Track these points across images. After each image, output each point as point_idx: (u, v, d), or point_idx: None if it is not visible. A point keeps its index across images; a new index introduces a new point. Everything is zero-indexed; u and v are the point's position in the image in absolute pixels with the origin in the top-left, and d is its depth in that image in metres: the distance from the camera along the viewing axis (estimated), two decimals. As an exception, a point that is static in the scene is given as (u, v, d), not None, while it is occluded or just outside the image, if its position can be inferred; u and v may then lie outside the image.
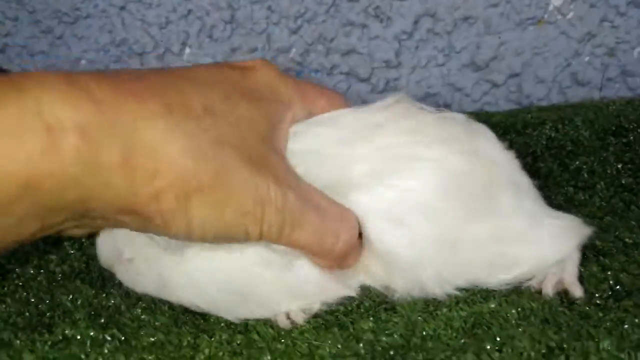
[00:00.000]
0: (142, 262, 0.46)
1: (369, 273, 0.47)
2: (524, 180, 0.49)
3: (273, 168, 0.41)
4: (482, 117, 0.93)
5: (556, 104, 1.02)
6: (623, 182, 0.76)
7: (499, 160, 0.47)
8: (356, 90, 1.05)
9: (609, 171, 0.78)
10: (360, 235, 0.45)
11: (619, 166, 0.78)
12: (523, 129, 0.87)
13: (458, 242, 0.44)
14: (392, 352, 0.40)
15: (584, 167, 0.79)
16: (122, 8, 1.01)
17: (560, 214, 0.51)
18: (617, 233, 0.60)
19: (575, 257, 0.50)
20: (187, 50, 1.04)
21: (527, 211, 0.47)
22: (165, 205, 0.37)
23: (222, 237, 0.40)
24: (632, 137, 0.83)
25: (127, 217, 0.38)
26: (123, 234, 0.46)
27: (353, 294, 0.47)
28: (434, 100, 1.06)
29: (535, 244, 0.47)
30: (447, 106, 1.06)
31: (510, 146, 0.84)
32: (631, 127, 0.85)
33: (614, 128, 0.85)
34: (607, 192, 0.74)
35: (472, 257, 0.45)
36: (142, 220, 0.38)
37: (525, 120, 0.89)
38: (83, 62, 1.05)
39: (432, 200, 0.43)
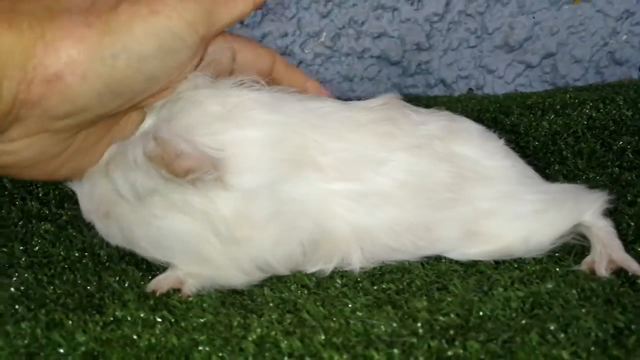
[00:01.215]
0: (114, 217, 0.49)
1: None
2: (503, 165, 0.53)
3: None
4: (517, 98, 0.90)
5: (594, 84, 0.99)
6: (670, 161, 0.73)
7: (471, 157, 0.52)
8: (387, 73, 1.04)
9: (655, 151, 0.75)
10: None
11: (665, 145, 0.76)
12: (562, 109, 0.85)
13: (429, 223, 0.50)
14: (451, 332, 0.39)
15: (629, 147, 0.77)
16: None
17: (558, 186, 0.56)
18: (670, 211, 0.58)
19: (608, 230, 0.50)
20: (217, 36, 1.03)
21: (501, 193, 0.51)
22: None
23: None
24: (677, 116, 0.80)
25: None
26: (100, 190, 0.49)
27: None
28: (465, 82, 1.04)
29: (510, 220, 0.51)
30: (480, 88, 1.04)
31: (550, 127, 0.83)
32: (677, 105, 0.82)
33: (657, 107, 0.82)
34: (654, 171, 0.71)
35: (446, 234, 0.51)
36: None
37: (563, 101, 0.87)
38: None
39: (393, 192, 0.49)
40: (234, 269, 0.48)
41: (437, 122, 0.53)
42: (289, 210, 0.48)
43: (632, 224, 0.57)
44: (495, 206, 0.51)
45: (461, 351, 0.36)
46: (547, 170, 0.75)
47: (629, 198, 0.64)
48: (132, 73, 0.44)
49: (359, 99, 0.99)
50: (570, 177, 0.74)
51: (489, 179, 0.51)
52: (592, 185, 0.70)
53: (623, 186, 0.69)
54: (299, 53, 1.03)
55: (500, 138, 0.80)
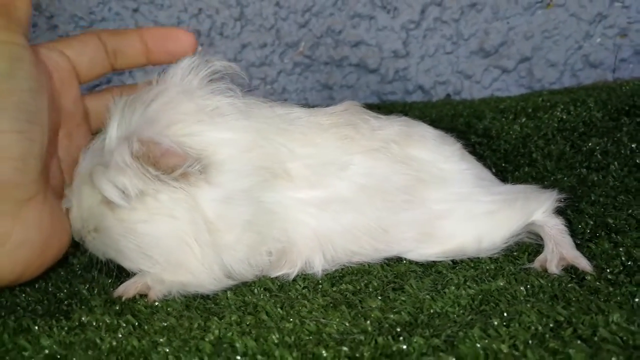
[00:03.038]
0: (102, 230, 0.50)
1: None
2: (459, 168, 0.55)
3: None
4: (491, 102, 0.92)
5: (569, 87, 1.01)
6: (638, 161, 0.75)
7: (426, 160, 0.54)
8: (365, 81, 1.05)
9: (622, 151, 0.77)
10: None
11: (633, 146, 0.78)
12: (534, 112, 0.87)
13: (386, 226, 0.52)
14: (398, 329, 0.40)
15: (597, 148, 0.78)
16: (135, 10, 1.03)
17: (511, 187, 0.57)
18: (630, 211, 0.60)
19: (559, 228, 0.52)
20: (199, 48, 1.05)
21: (455, 195, 0.53)
22: None
23: None
24: (646, 117, 0.82)
25: None
26: (88, 207, 0.51)
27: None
28: (443, 88, 1.06)
29: (463, 221, 0.52)
30: (457, 94, 1.06)
31: (521, 130, 0.85)
32: (645, 106, 0.84)
33: (627, 108, 0.84)
34: (620, 172, 0.73)
35: (402, 236, 0.52)
36: None
37: (536, 104, 0.88)
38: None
39: (354, 196, 0.51)
40: (207, 275, 0.50)
41: (394, 126, 0.55)
42: (262, 220, 0.50)
43: (591, 222, 0.58)
44: (449, 208, 0.52)
45: (405, 346, 0.38)
46: (517, 172, 0.77)
47: (592, 198, 0.66)
48: None
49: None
50: (539, 178, 0.75)
51: (443, 181, 0.53)
52: (559, 185, 0.72)
53: (589, 186, 0.70)
54: (278, 63, 1.05)
55: (473, 140, 0.83)
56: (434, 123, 0.87)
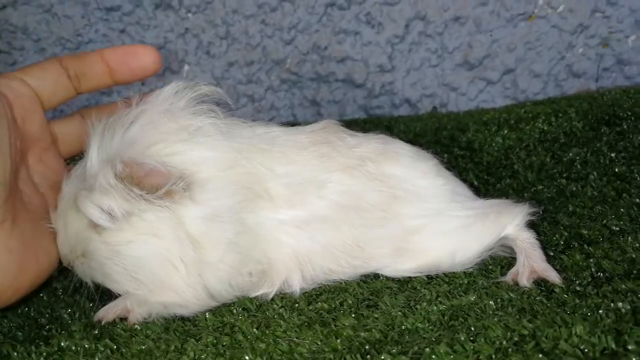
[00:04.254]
0: (90, 254, 0.51)
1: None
2: (434, 184, 0.56)
3: None
4: (475, 114, 0.93)
5: (552, 97, 1.02)
6: (617, 170, 0.76)
7: (401, 177, 0.55)
8: (352, 96, 1.07)
9: (602, 161, 0.78)
10: None
11: (613, 155, 0.78)
12: (516, 123, 0.88)
13: (362, 242, 0.53)
14: (367, 347, 0.41)
15: (577, 158, 0.79)
16: (122, 31, 1.04)
17: (484, 202, 0.57)
18: (605, 221, 0.60)
19: (531, 242, 0.53)
20: (186, 67, 1.07)
21: (429, 210, 0.54)
22: None
23: None
24: (626, 126, 0.83)
25: None
26: (73, 228, 0.52)
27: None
28: (430, 101, 1.07)
29: (437, 236, 0.53)
30: (444, 106, 1.07)
31: (503, 142, 0.86)
32: (625, 115, 0.85)
33: (607, 117, 0.85)
34: (599, 181, 0.74)
35: (377, 252, 0.53)
36: None
37: (518, 115, 0.90)
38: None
39: (332, 215, 0.52)
40: (192, 295, 0.51)
41: (370, 144, 0.57)
42: (244, 240, 0.51)
43: (566, 233, 0.59)
44: (423, 223, 0.53)
45: (371, 365, 0.39)
46: (499, 185, 0.78)
47: (570, 209, 0.67)
48: None
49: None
50: (520, 189, 0.76)
51: (418, 197, 0.54)
52: (539, 197, 0.73)
53: (567, 197, 0.71)
54: (265, 80, 1.07)
55: (456, 153, 0.84)
56: (418, 137, 0.89)
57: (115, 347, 0.46)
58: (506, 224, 0.54)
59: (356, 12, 1.04)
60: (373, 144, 0.57)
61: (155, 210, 0.49)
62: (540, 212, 0.57)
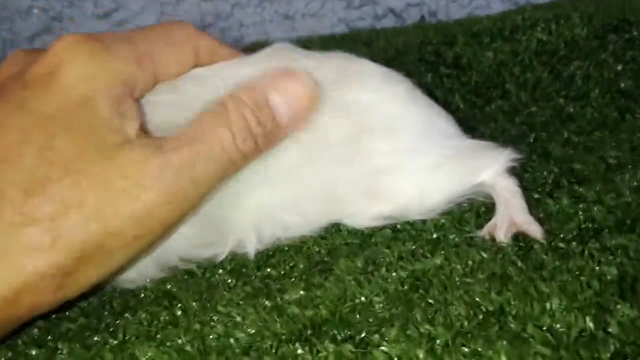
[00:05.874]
0: None
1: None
2: (406, 113, 0.48)
3: None
4: (465, 24, 0.83)
5: (555, 1, 0.90)
6: (622, 85, 0.67)
7: (370, 105, 0.47)
8: (330, 8, 0.96)
9: (606, 75, 0.69)
10: None
11: (619, 68, 0.69)
12: (511, 34, 0.78)
13: (333, 184, 0.46)
14: (309, 332, 0.36)
15: (578, 72, 0.70)
16: None
17: (462, 141, 0.49)
18: (601, 153, 0.53)
19: (511, 190, 0.46)
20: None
21: (401, 145, 0.46)
22: None
23: None
24: (636, 32, 0.72)
25: None
26: None
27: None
28: (417, 9, 0.96)
29: (407, 177, 0.46)
30: (433, 15, 0.96)
31: (495, 57, 0.76)
32: (637, 19, 0.74)
33: (615, 22, 0.74)
34: (601, 100, 0.66)
35: (348, 193, 0.47)
36: None
37: (514, 24, 0.79)
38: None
39: (298, 160, 0.46)
40: None
41: (331, 66, 0.48)
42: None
43: (556, 169, 0.52)
44: (395, 161, 0.46)
45: (310, 357, 0.34)
46: (487, 107, 0.70)
47: (564, 135, 0.59)
48: None
49: (299, 39, 0.93)
50: (511, 112, 0.68)
51: (388, 129, 0.47)
52: (532, 120, 0.65)
53: (563, 121, 0.63)
54: (233, -5, 0.96)
55: (442, 72, 0.75)
56: (400, 55, 0.80)
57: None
58: (483, 167, 0.46)
59: None
60: (334, 65, 0.48)
61: None
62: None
